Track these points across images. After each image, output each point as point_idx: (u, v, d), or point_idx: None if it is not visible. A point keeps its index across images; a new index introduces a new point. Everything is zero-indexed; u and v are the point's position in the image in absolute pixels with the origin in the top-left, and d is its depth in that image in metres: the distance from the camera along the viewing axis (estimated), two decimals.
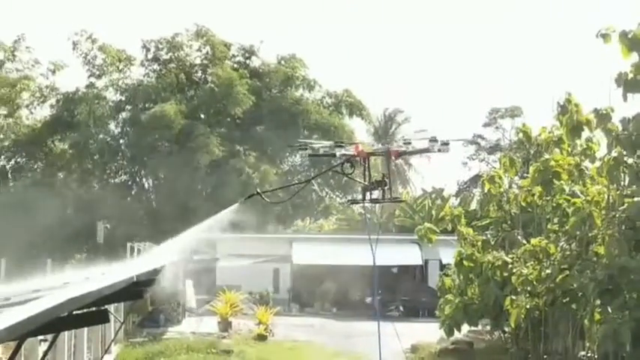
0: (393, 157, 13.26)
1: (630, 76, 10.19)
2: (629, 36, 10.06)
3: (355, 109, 55.14)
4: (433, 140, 12.70)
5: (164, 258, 13.47)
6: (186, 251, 15.71)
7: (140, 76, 53.71)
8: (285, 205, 43.48)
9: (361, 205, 58.25)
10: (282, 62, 54.77)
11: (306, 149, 13.35)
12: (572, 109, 12.17)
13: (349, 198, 55.69)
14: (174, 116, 49.04)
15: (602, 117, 10.86)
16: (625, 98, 10.36)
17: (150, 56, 53.92)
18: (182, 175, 48.87)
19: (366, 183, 13.04)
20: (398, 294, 42.08)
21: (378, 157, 13.70)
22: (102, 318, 9.44)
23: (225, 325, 33.08)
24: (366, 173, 12.79)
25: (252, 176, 48.32)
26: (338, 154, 12.89)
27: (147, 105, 50.91)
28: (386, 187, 12.97)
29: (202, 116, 52.44)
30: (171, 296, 33.06)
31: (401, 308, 41.74)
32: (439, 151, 12.57)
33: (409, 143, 12.93)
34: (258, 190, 12.92)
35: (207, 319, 34.63)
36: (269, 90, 54.20)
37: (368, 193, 13.10)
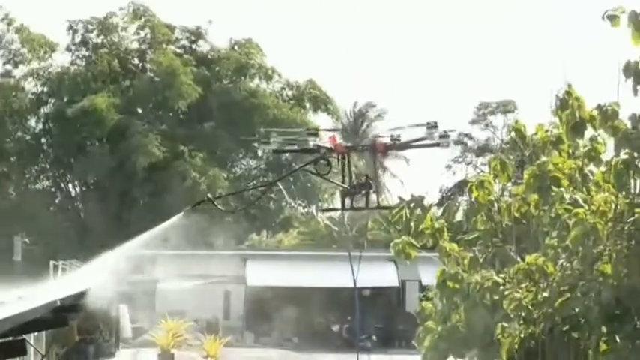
0: (380, 153, 12.57)
1: None
2: None
3: (320, 102, 55.32)
4: (432, 127, 12.03)
5: (93, 279, 13.38)
6: (120, 271, 15.58)
7: (66, 63, 53.52)
8: (237, 216, 43.40)
9: (329, 216, 57.78)
10: (236, 48, 54.82)
11: (269, 143, 12.34)
12: (574, 103, 12.23)
13: (322, 206, 55.70)
14: (106, 111, 48.90)
15: (607, 114, 10.90)
16: (635, 92, 10.41)
17: (78, 40, 53.73)
18: (115, 180, 48.74)
19: (347, 186, 12.22)
20: (371, 321, 42.14)
21: (356, 155, 13.37)
22: (19, 349, 9.38)
23: (167, 358, 32.97)
24: (346, 173, 12.11)
25: (198, 182, 48.27)
26: (311, 144, 12.11)
27: (74, 98, 50.66)
28: (371, 191, 12.28)
29: (140, 111, 52.36)
30: (103, 324, 32.86)
31: (374, 337, 41.81)
32: (438, 145, 11.99)
33: (397, 140, 12.22)
34: (209, 196, 12.37)
35: (145, 351, 34.49)
36: (219, 80, 54.24)
37: (348, 199, 12.44)
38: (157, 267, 39.62)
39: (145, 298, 38.89)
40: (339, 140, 12.47)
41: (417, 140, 12.35)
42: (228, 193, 42.98)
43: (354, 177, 12.57)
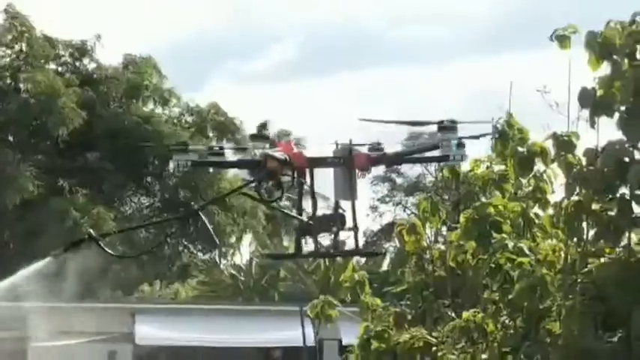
0: (359, 171, 9.86)
1: (599, 93, 10.21)
2: (599, 40, 10.12)
3: (225, 130, 55.21)
4: (448, 126, 9.81)
5: None
6: None
7: None
8: (125, 262, 42.94)
9: (233, 263, 56.76)
10: (130, 67, 54.59)
11: (187, 151, 9.78)
12: (515, 135, 12.22)
13: (226, 252, 55.13)
14: None
15: (564, 145, 10.89)
16: (592, 124, 10.39)
17: None
18: None
19: (306, 219, 9.94)
20: None
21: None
22: None
23: None
24: (303, 198, 9.87)
25: (80, 222, 47.72)
26: (257, 152, 9.73)
27: None
28: (345, 228, 9.93)
29: (11, 138, 51.70)
30: None
31: None
32: (447, 158, 10.25)
33: (380, 149, 9.86)
34: (92, 232, 10.73)
35: None
36: (107, 103, 53.83)
37: (306, 239, 10.21)
38: (28, 322, 38.97)
39: (14, 359, 38.22)
40: (296, 149, 9.86)
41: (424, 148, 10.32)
42: (119, 230, 42.40)
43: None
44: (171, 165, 9.72)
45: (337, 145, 9.72)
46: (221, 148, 10.13)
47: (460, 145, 10.09)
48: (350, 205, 9.88)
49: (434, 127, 10.15)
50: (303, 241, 10.21)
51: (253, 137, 9.43)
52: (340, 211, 9.85)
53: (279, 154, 9.44)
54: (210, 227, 46.66)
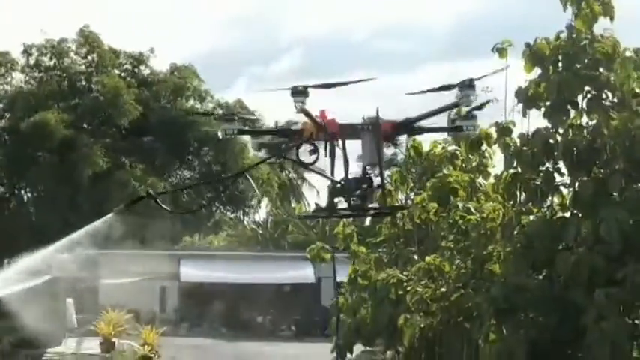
0: (385, 138, 8.43)
1: (530, 91, 10.27)
2: (533, 49, 10.14)
3: (247, 121, 54.98)
4: (468, 84, 8.06)
5: (41, 275, 13.00)
6: (64, 268, 15.14)
7: (20, 82, 52.62)
8: (172, 219, 42.90)
9: (253, 220, 55.71)
10: (175, 72, 54.47)
11: (233, 120, 8.69)
12: None
13: (248, 212, 55.21)
14: (56, 126, 48.09)
15: (503, 131, 10.93)
16: (525, 114, 10.45)
17: (32, 62, 52.88)
18: (64, 187, 47.89)
19: (340, 181, 8.30)
20: (290, 313, 42.03)
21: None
22: None
23: (108, 346, 32.35)
24: (335, 163, 8.20)
25: (138, 190, 47.63)
26: (297, 105, 7.93)
27: (27, 114, 49.75)
28: (374, 188, 8.43)
29: (86, 126, 51.58)
30: (51, 315, 32.21)
31: (293, 328, 41.69)
32: (460, 129, 8.56)
33: (410, 122, 8.44)
34: (150, 191, 9.69)
35: (89, 340, 33.85)
36: (158, 100, 53.67)
37: (341, 199, 8.49)
38: (100, 265, 38.97)
39: (89, 292, 38.26)
40: (330, 117, 8.22)
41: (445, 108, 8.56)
42: (173, 190, 42.23)
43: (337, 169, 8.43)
44: (220, 134, 8.70)
45: (364, 118, 8.44)
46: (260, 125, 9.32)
47: (472, 117, 8.50)
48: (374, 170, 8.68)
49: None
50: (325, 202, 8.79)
51: (294, 93, 7.71)
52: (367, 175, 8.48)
53: (316, 117, 8.06)
54: (253, 185, 46.54)
